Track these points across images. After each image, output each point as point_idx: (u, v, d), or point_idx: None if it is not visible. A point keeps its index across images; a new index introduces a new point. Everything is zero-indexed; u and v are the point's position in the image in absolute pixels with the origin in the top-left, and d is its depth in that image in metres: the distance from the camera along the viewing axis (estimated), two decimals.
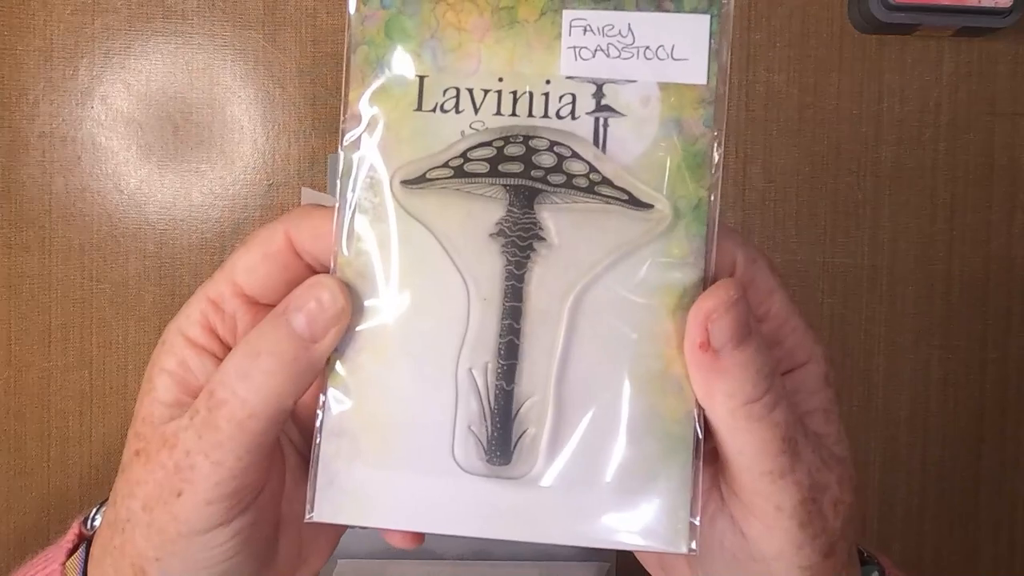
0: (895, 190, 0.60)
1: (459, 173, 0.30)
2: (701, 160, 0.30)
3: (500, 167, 0.29)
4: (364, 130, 0.30)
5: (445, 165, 0.30)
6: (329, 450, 0.31)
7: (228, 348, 0.32)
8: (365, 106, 0.30)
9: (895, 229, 0.60)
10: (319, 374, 0.31)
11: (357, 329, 0.31)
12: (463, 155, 0.30)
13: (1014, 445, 0.61)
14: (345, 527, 0.34)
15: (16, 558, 0.59)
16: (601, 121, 0.30)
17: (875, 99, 0.60)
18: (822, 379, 0.34)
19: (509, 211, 0.30)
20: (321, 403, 0.31)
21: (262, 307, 0.32)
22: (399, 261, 0.30)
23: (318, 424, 0.31)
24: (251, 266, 0.32)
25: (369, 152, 0.30)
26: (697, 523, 0.30)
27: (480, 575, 0.58)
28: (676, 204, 0.30)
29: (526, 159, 0.30)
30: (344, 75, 0.30)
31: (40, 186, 0.59)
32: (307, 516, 0.31)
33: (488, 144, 0.30)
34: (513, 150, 0.30)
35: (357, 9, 0.29)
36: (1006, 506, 0.61)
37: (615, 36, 0.29)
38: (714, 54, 0.29)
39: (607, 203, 0.30)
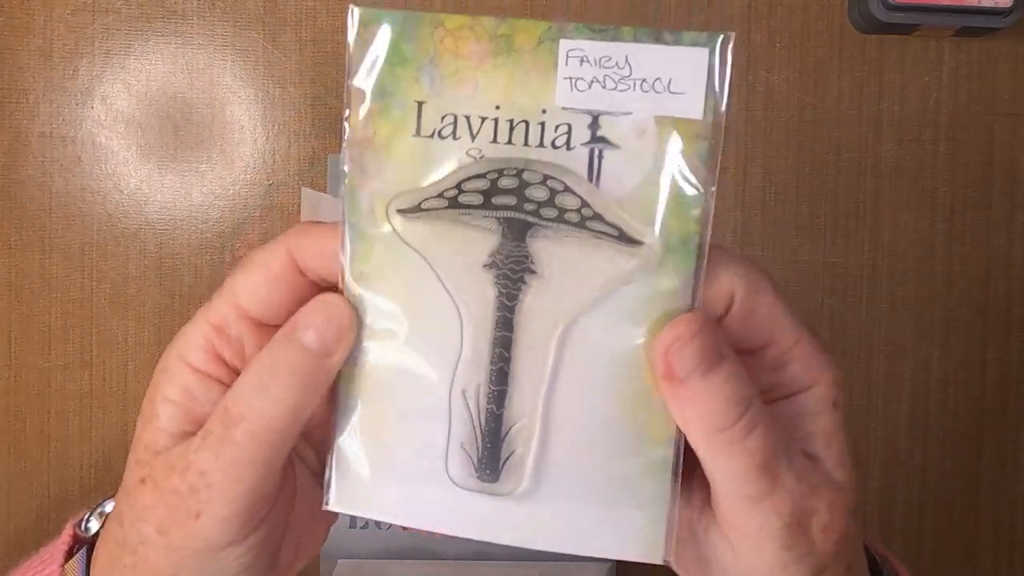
0: (895, 190, 0.60)
1: (453, 204, 0.30)
2: (692, 196, 0.29)
3: (494, 199, 0.30)
4: (364, 154, 0.30)
5: (440, 196, 0.30)
6: (343, 447, 0.32)
7: (235, 372, 0.33)
8: (365, 130, 0.30)
9: (895, 229, 0.60)
10: (330, 386, 0.32)
11: (360, 345, 0.31)
12: (458, 186, 0.30)
13: (1014, 445, 0.61)
14: (335, 518, 0.36)
15: (16, 558, 0.60)
16: (596, 152, 0.29)
17: (875, 99, 0.60)
18: (828, 403, 0.34)
19: (502, 243, 0.30)
20: (336, 405, 0.32)
21: (269, 328, 0.32)
22: (396, 285, 0.31)
23: (333, 422, 0.32)
24: (254, 288, 0.32)
25: (369, 177, 0.30)
26: (674, 534, 0.31)
27: (480, 575, 0.58)
28: (667, 239, 0.30)
29: (519, 192, 0.30)
30: (345, 99, 0.30)
31: (40, 186, 0.59)
32: (324, 505, 0.32)
33: (483, 176, 0.30)
34: (507, 183, 0.30)
35: (357, 34, 0.29)
36: (1006, 506, 0.61)
37: (612, 67, 0.29)
38: (712, 89, 0.29)
39: (598, 238, 0.30)
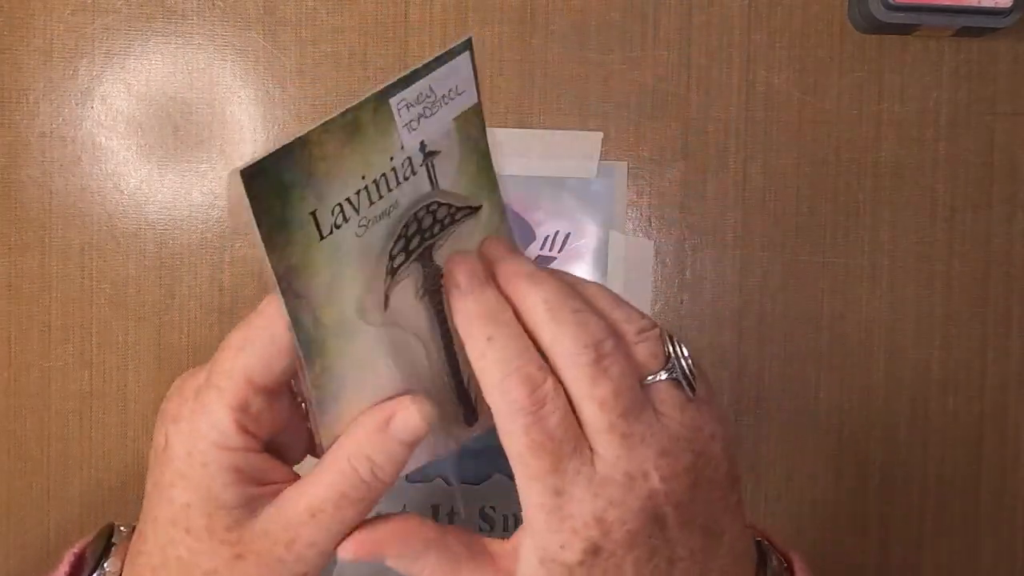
0: (895, 190, 0.60)
1: (394, 272, 0.37)
2: (485, 152, 0.38)
3: (409, 247, 0.37)
4: (292, 282, 0.34)
5: (387, 275, 0.37)
6: None
7: (259, 438, 0.36)
8: (285, 261, 0.34)
9: (895, 229, 0.60)
10: None
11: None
12: (391, 257, 0.37)
13: (1014, 445, 0.61)
14: None
15: (16, 557, 0.59)
16: (429, 164, 0.37)
17: (875, 99, 0.60)
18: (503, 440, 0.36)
19: (424, 273, 0.38)
20: None
21: (272, 391, 0.36)
22: (371, 355, 0.37)
23: None
24: (265, 365, 0.35)
25: (302, 297, 0.35)
26: None
27: None
28: (487, 191, 0.39)
29: (420, 231, 0.37)
30: (261, 246, 0.33)
31: (40, 186, 0.59)
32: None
33: (399, 238, 0.37)
34: (412, 230, 0.37)
35: (249, 192, 0.32)
36: (1006, 506, 0.61)
37: (425, 100, 0.35)
38: (475, 77, 0.37)
39: (463, 221, 0.38)
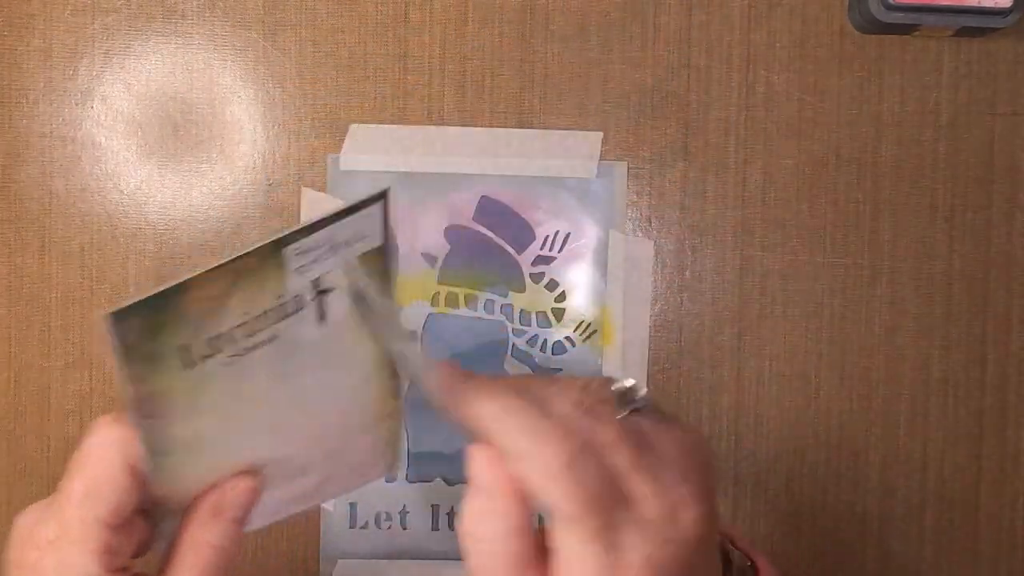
0: (895, 190, 0.60)
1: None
2: (388, 282, 0.37)
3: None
4: (151, 406, 0.35)
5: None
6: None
7: (126, 565, 0.38)
8: (148, 389, 0.34)
9: (895, 229, 0.60)
10: None
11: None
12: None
13: (1014, 445, 0.61)
14: None
15: None
16: (322, 300, 0.36)
17: (875, 99, 0.60)
18: None
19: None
20: None
21: (122, 526, 0.37)
22: (222, 454, 0.38)
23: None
24: (117, 508, 0.37)
25: (161, 418, 0.35)
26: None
27: None
28: (385, 326, 0.38)
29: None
30: (119, 376, 0.33)
31: (40, 186, 0.59)
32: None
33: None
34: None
35: (110, 328, 0.32)
36: (1006, 506, 0.61)
37: (324, 246, 0.35)
38: (385, 221, 0.36)
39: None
